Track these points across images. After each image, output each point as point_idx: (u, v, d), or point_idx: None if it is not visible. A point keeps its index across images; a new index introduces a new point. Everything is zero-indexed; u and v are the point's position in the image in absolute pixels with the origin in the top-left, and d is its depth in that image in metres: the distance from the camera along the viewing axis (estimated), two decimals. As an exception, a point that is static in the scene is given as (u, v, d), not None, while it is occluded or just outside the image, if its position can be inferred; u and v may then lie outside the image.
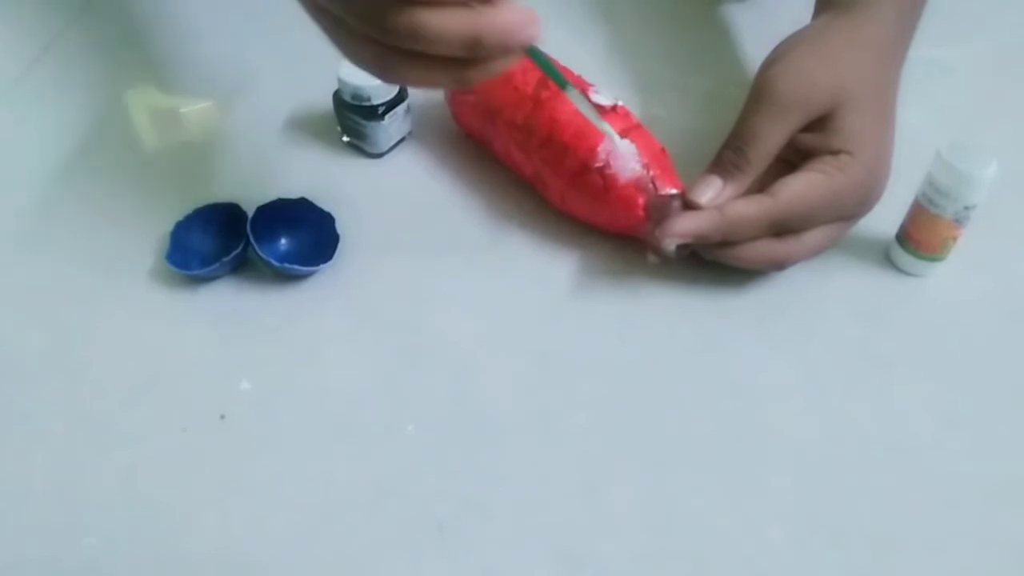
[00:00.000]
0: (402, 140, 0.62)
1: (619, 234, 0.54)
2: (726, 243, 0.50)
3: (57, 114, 0.64)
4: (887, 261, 0.55)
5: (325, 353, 0.51)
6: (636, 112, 0.55)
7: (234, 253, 0.52)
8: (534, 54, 0.41)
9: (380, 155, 0.62)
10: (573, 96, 0.45)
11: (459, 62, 0.37)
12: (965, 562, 0.43)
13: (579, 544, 0.44)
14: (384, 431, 0.47)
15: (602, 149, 0.52)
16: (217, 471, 0.46)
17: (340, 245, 0.54)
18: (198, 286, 0.54)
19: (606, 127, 0.50)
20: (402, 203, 0.59)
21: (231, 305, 0.53)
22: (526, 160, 0.56)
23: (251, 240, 0.52)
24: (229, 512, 0.44)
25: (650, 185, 0.52)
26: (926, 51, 0.56)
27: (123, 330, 0.52)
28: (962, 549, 0.44)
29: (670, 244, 0.49)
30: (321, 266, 0.53)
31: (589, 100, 0.52)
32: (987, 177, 0.49)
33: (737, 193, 0.50)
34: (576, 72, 0.57)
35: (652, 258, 0.52)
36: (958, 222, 0.51)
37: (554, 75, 0.44)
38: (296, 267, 0.53)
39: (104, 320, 0.52)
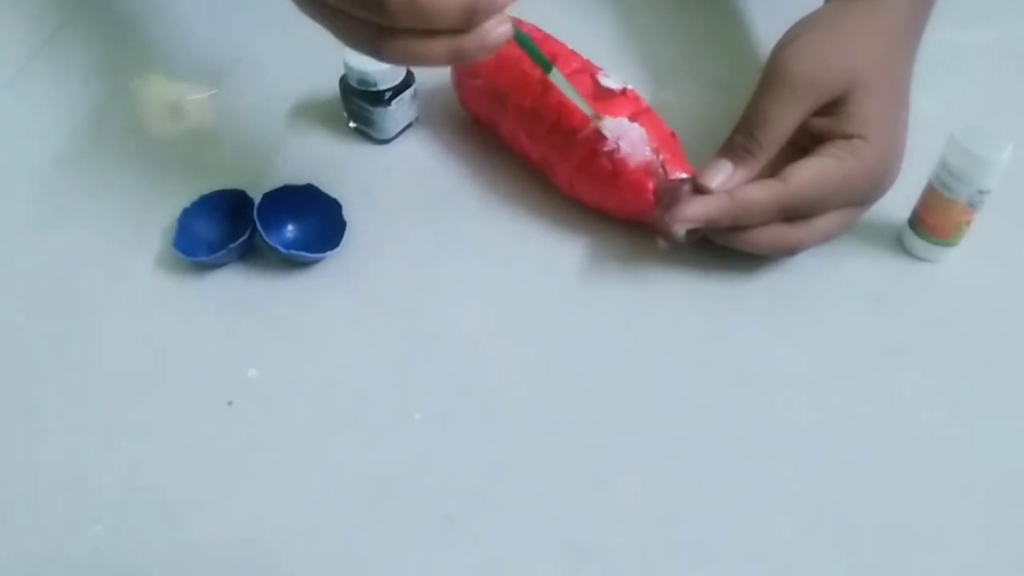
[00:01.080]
0: (409, 126, 0.62)
1: (628, 219, 0.54)
2: (736, 228, 0.50)
3: (63, 102, 0.64)
4: (899, 246, 0.55)
5: (332, 340, 0.51)
6: (646, 96, 0.55)
7: (241, 240, 0.52)
8: (519, 37, 0.41)
9: (387, 141, 0.61)
10: (557, 79, 0.45)
11: (455, 34, 0.38)
12: (975, 553, 0.43)
13: (586, 534, 0.43)
14: (391, 419, 0.47)
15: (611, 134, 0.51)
16: (224, 459, 0.46)
17: (347, 231, 0.54)
18: (205, 273, 0.53)
19: (591, 111, 0.49)
20: (409, 189, 0.59)
21: (238, 292, 0.53)
22: (534, 145, 0.55)
23: (258, 227, 0.52)
24: (236, 500, 0.44)
25: (660, 169, 0.51)
26: (941, 34, 0.55)
27: (130, 317, 0.52)
28: (973, 539, 0.43)
29: (680, 229, 0.49)
30: (328, 253, 0.53)
31: (597, 78, 0.52)
32: (1002, 161, 0.48)
33: (748, 177, 0.49)
34: (585, 56, 0.56)
35: (662, 243, 0.51)
36: (972, 206, 0.50)
37: (538, 58, 0.44)
38: (303, 254, 0.52)
39: (111, 307, 0.52)
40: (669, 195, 0.50)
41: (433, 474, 0.45)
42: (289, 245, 0.54)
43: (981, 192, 0.49)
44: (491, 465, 0.46)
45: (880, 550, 0.43)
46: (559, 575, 0.42)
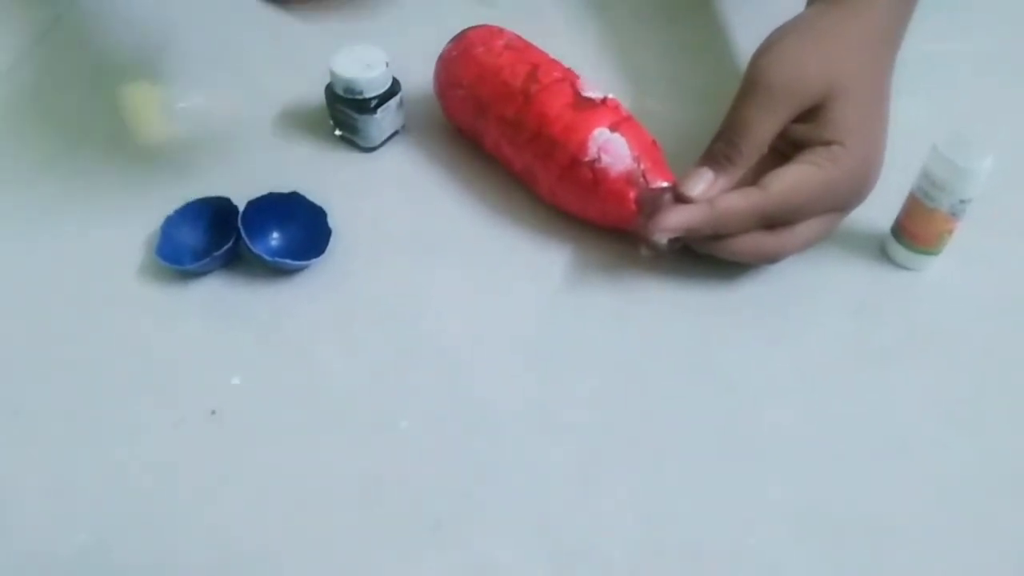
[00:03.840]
0: (395, 134, 0.62)
1: (610, 228, 0.54)
2: (718, 236, 0.50)
3: (47, 108, 0.64)
4: (882, 255, 0.55)
5: (317, 348, 0.51)
6: (627, 105, 0.55)
7: (225, 247, 0.52)
8: None
9: (372, 149, 0.61)
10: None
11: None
12: (963, 558, 0.43)
13: (575, 539, 0.43)
14: (377, 427, 0.47)
15: (592, 143, 0.52)
16: (209, 466, 0.46)
17: (332, 239, 0.54)
18: (189, 281, 0.53)
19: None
20: (395, 197, 0.59)
21: (222, 300, 0.53)
22: (516, 155, 0.56)
23: (242, 234, 0.52)
24: (221, 508, 0.44)
25: (641, 178, 0.51)
26: (923, 45, 0.55)
27: (114, 325, 0.52)
28: (960, 544, 0.43)
29: (661, 238, 0.49)
30: (313, 260, 0.53)
31: (577, 87, 0.52)
32: (983, 170, 0.48)
33: (729, 185, 0.49)
34: (566, 64, 0.56)
35: (644, 251, 0.51)
36: (954, 215, 0.50)
37: None
38: (288, 261, 0.52)
39: (95, 315, 0.52)
40: (651, 204, 0.50)
41: (420, 480, 0.45)
42: (274, 253, 0.54)
43: (963, 201, 0.50)
44: (478, 470, 0.46)
45: (868, 554, 0.43)
46: (545, 580, 0.42)
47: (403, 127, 0.62)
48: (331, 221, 0.54)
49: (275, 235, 0.55)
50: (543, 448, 0.47)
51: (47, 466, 0.46)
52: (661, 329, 0.51)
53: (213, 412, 0.48)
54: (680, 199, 0.49)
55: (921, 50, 0.55)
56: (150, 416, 0.48)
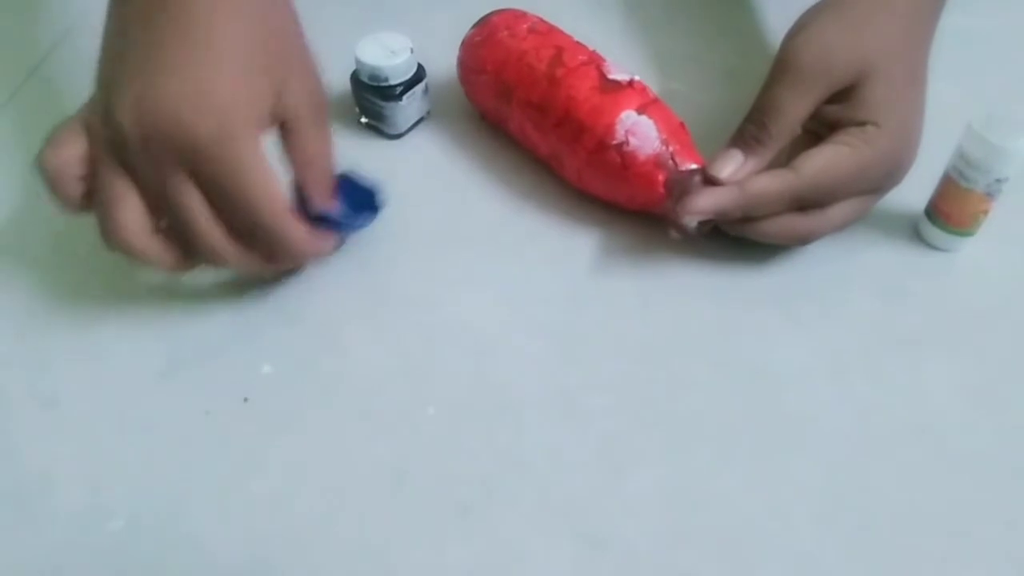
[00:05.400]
0: (420, 121, 0.62)
1: (638, 211, 0.54)
2: (749, 218, 0.49)
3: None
4: (915, 236, 0.54)
5: (345, 335, 0.51)
6: (654, 87, 0.54)
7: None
8: None
9: (398, 136, 0.61)
10: None
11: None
12: (993, 544, 0.42)
13: (602, 525, 0.43)
14: (406, 413, 0.47)
15: (620, 126, 0.51)
16: (240, 454, 0.46)
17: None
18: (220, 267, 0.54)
19: None
20: (421, 184, 0.59)
21: (251, 287, 0.53)
22: (542, 139, 0.55)
23: None
24: (252, 494, 0.45)
25: (670, 161, 0.51)
26: (958, 19, 0.54)
27: (144, 312, 0.52)
28: (990, 531, 0.43)
29: (691, 221, 0.49)
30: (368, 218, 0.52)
31: (603, 70, 0.51)
32: (1020, 149, 0.47)
33: (759, 167, 0.49)
34: (591, 47, 0.56)
35: (674, 234, 0.51)
36: (989, 195, 0.50)
37: None
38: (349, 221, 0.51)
39: (125, 303, 0.52)
40: (680, 186, 0.50)
41: (448, 465, 0.45)
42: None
43: (999, 181, 0.49)
44: (505, 456, 0.46)
45: (898, 540, 0.43)
46: (574, 564, 0.42)
47: (429, 113, 0.62)
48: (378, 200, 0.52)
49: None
50: (570, 434, 0.46)
51: (80, 454, 0.46)
52: (690, 312, 0.51)
53: (246, 400, 0.48)
54: (709, 181, 0.49)
55: (955, 25, 0.54)
56: (182, 404, 0.48)
